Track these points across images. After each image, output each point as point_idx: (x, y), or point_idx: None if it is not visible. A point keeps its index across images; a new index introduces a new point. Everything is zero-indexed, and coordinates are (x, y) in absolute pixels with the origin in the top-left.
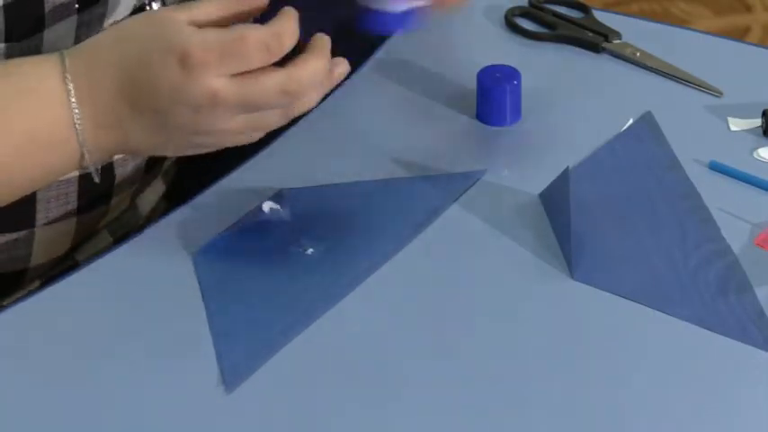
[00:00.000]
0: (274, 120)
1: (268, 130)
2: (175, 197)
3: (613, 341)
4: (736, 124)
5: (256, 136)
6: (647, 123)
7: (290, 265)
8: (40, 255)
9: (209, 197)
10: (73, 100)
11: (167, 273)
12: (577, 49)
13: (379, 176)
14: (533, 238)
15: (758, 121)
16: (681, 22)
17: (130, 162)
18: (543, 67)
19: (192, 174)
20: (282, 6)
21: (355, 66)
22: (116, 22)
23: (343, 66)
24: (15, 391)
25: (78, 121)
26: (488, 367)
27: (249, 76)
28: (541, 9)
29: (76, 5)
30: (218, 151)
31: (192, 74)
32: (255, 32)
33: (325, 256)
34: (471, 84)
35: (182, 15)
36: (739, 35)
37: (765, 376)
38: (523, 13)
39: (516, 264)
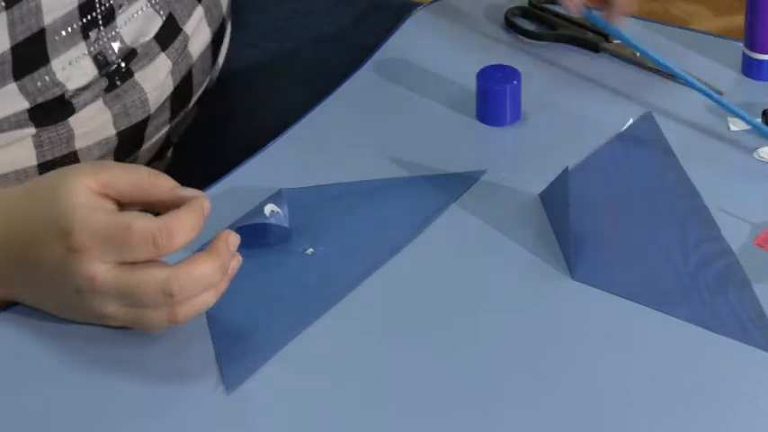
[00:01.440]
0: (157, 319)
1: (153, 330)
2: None
3: (613, 341)
4: (736, 124)
5: (143, 329)
6: (647, 123)
7: (289, 265)
8: None
9: (209, 197)
10: None
11: None
12: (577, 49)
13: (379, 176)
14: (533, 238)
15: (758, 122)
16: (681, 22)
17: (96, 151)
18: (543, 67)
19: (192, 173)
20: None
21: (355, 66)
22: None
23: (236, 260)
24: (14, 390)
25: None
26: (488, 367)
27: (130, 268)
28: (541, 9)
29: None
30: (218, 151)
31: (73, 256)
32: (144, 224)
33: (325, 256)
34: (471, 84)
35: (86, 181)
36: (739, 35)
37: (765, 376)
38: (523, 13)
39: (516, 264)
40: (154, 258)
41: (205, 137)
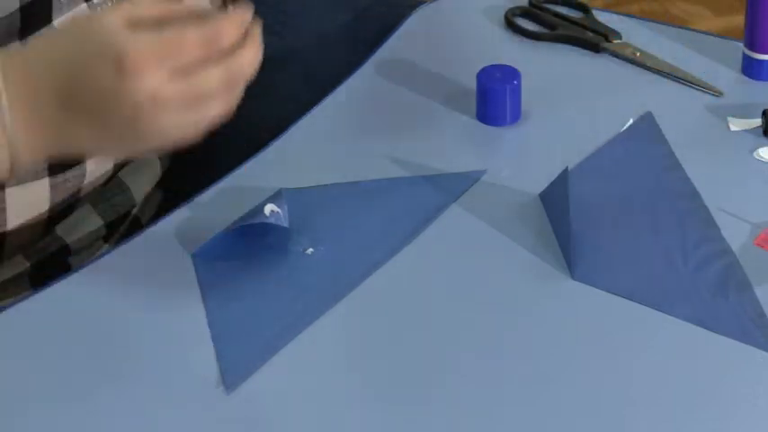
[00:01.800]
0: (217, 109)
1: (213, 121)
2: (173, 196)
3: (613, 341)
4: (736, 124)
5: (201, 128)
6: (647, 123)
7: (289, 265)
8: (14, 217)
9: (209, 197)
10: (3, 103)
11: (167, 273)
12: (577, 49)
13: (380, 176)
14: (533, 238)
15: (758, 121)
16: (681, 22)
17: None
18: (543, 67)
19: (192, 173)
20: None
21: (356, 62)
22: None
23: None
24: (14, 390)
25: (8, 121)
26: (488, 367)
27: (190, 72)
28: (541, 9)
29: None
30: (217, 152)
31: (127, 79)
32: (194, 29)
33: (325, 256)
34: (471, 84)
35: (116, 16)
36: (739, 35)
37: (765, 376)
38: (523, 13)
39: (516, 264)
40: (212, 56)
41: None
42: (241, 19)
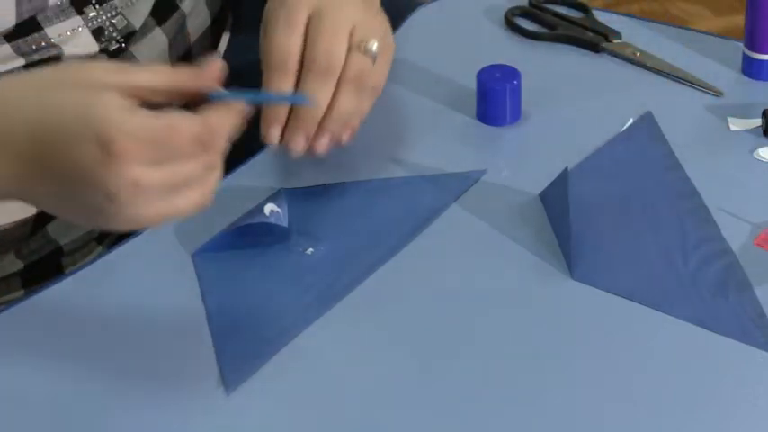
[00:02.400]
0: (194, 198)
1: (187, 211)
2: None
3: (613, 341)
4: (736, 124)
5: (174, 216)
6: (647, 123)
7: (289, 265)
8: (1, 215)
9: None
10: None
11: (167, 273)
12: (577, 49)
13: (379, 176)
14: (533, 238)
15: (758, 121)
16: (681, 22)
17: None
18: (543, 67)
19: None
20: None
21: None
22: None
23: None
24: (14, 390)
25: None
26: (488, 367)
27: (174, 160)
28: (541, 9)
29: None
30: None
31: (111, 163)
32: (187, 123)
33: (325, 255)
34: (471, 84)
35: (115, 80)
36: (739, 35)
37: (765, 376)
38: (523, 13)
39: (516, 264)
40: (201, 154)
41: None
42: (237, 113)
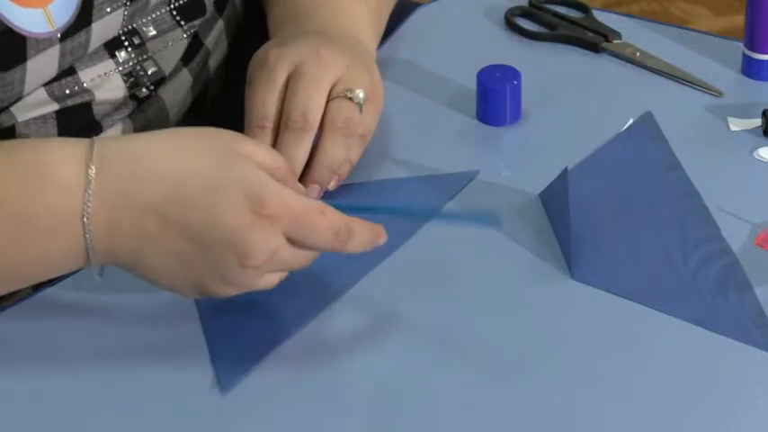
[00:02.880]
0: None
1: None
2: None
3: (613, 341)
4: (736, 124)
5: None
6: (647, 123)
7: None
8: None
9: None
10: (90, 192)
11: None
12: (577, 49)
13: (379, 176)
14: (533, 238)
15: (758, 121)
16: (681, 22)
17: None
18: (543, 67)
19: None
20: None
21: None
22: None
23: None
24: (11, 389)
25: (87, 214)
26: (488, 367)
27: (305, 243)
28: (541, 9)
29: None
30: None
31: (260, 224)
32: (337, 216)
33: (320, 256)
34: (471, 84)
35: (247, 151)
36: (739, 35)
37: (765, 376)
38: (523, 13)
39: (516, 264)
40: (330, 249)
41: None
42: (376, 235)
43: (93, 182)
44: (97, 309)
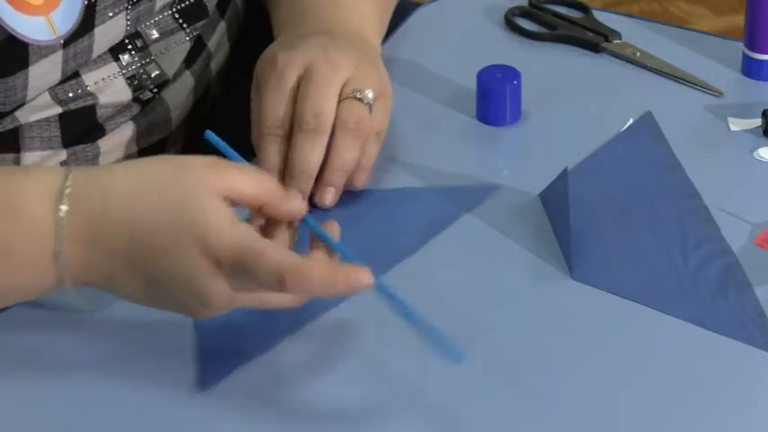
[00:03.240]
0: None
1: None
2: None
3: (613, 341)
4: (736, 124)
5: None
6: (647, 123)
7: None
8: None
9: None
10: (63, 232)
11: None
12: (577, 49)
13: (379, 176)
14: (533, 238)
15: (758, 121)
16: (681, 22)
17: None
18: (543, 67)
19: None
20: None
21: None
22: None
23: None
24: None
25: (62, 254)
26: (487, 367)
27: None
28: (541, 9)
29: (62, 41)
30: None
31: (216, 271)
32: (277, 257)
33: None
34: (471, 84)
35: (214, 181)
36: (739, 35)
37: (765, 376)
38: (523, 13)
39: (516, 264)
40: (281, 302)
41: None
42: (335, 279)
43: (65, 222)
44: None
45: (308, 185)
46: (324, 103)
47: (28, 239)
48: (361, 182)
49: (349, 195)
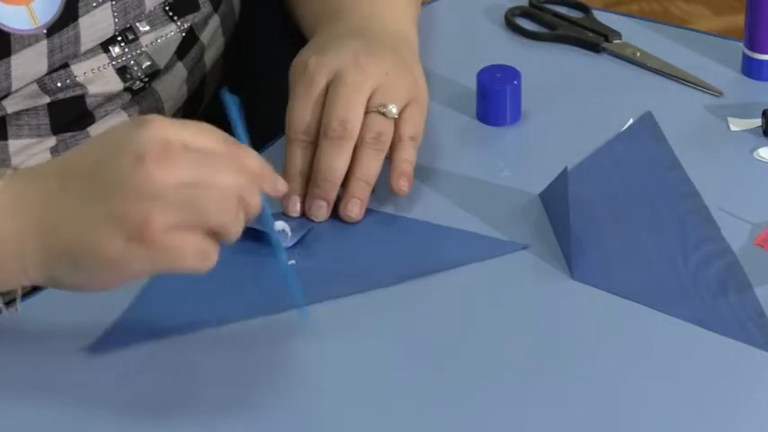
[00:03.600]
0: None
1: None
2: None
3: (613, 341)
4: (736, 124)
5: (181, 261)
6: (647, 123)
7: (262, 267)
8: None
9: None
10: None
11: None
12: (577, 49)
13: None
14: (533, 238)
15: (758, 121)
16: (681, 22)
17: None
18: (543, 67)
19: None
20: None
21: None
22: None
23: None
24: None
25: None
26: (488, 367)
27: (202, 164)
28: (541, 9)
29: (45, 31)
30: None
31: (142, 125)
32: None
33: (303, 269)
34: (471, 84)
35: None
36: (739, 35)
37: (765, 376)
38: (523, 13)
39: (516, 264)
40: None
41: None
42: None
43: None
44: (92, 305)
45: (333, 194)
46: (351, 112)
47: None
48: (399, 186)
49: (381, 219)
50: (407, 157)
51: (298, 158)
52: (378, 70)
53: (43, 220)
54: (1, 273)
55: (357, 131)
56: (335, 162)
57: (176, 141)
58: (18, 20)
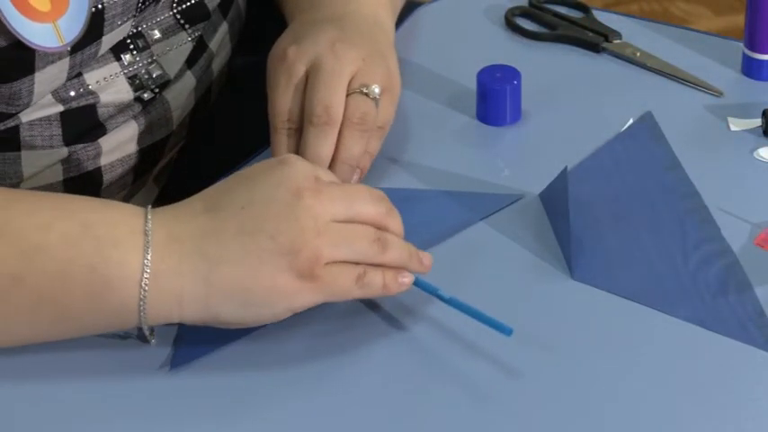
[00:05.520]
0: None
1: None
2: (170, 198)
3: (613, 341)
4: (736, 124)
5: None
6: (647, 123)
7: None
8: None
9: None
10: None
11: None
12: (577, 49)
13: (378, 175)
14: (533, 238)
15: (758, 121)
16: (681, 22)
17: (118, 167)
18: (543, 67)
19: (191, 174)
20: None
21: None
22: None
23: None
24: None
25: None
26: (488, 367)
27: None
28: (541, 9)
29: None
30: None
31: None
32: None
33: None
34: (471, 84)
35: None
36: (739, 35)
37: (765, 376)
38: (523, 13)
39: (516, 264)
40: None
41: (215, 139)
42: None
43: (150, 245)
44: None
45: None
46: (333, 97)
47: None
48: (357, 179)
49: None
50: (370, 149)
51: (284, 146)
52: (355, 56)
53: (203, 256)
54: (156, 309)
55: (341, 116)
56: (321, 149)
57: (324, 177)
58: (44, 37)
